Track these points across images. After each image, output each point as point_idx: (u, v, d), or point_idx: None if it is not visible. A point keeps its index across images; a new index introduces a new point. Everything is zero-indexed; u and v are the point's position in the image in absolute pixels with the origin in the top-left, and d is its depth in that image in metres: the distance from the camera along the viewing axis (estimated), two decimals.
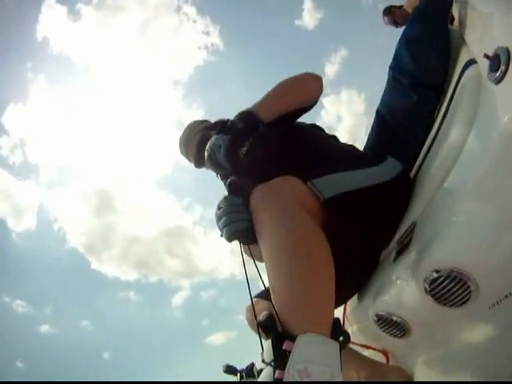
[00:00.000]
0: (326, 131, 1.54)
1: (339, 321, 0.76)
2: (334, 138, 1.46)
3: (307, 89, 1.32)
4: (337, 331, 0.73)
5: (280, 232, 0.82)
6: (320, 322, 0.72)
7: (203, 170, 1.51)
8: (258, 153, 1.11)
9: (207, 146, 1.08)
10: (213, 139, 1.08)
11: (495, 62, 0.75)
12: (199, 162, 1.47)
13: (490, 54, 0.79)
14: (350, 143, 1.46)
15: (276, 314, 0.73)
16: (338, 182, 1.01)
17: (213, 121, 1.58)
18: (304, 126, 1.46)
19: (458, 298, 0.75)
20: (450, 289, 0.75)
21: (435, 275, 0.77)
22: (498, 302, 0.73)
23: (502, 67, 0.72)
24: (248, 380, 1.03)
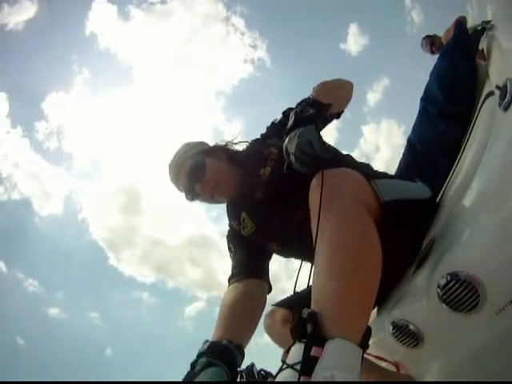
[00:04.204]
0: (364, 159, 1.55)
1: (371, 330, 0.76)
2: (350, 156, 1.45)
3: (349, 94, 1.34)
4: (366, 340, 0.73)
5: (344, 229, 0.80)
6: (355, 328, 0.72)
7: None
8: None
9: (292, 149, 0.94)
10: (295, 139, 0.93)
11: (504, 91, 0.84)
12: (190, 194, 1.34)
13: (501, 84, 0.88)
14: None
15: (308, 315, 0.70)
16: (396, 188, 1.02)
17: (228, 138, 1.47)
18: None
19: (467, 303, 0.81)
20: (460, 293, 0.81)
21: (447, 279, 0.83)
22: (504, 308, 0.78)
23: (508, 96, 0.81)
24: (248, 380, 1.04)
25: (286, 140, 0.99)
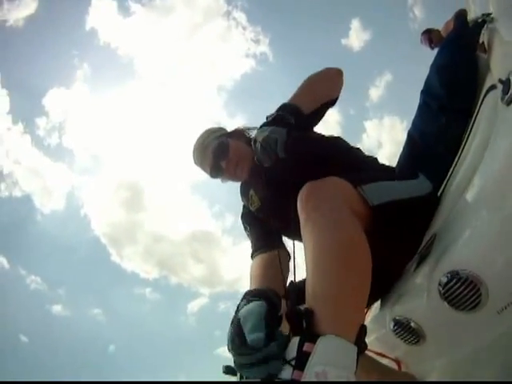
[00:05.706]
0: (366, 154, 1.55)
1: (365, 328, 0.77)
2: (359, 149, 1.49)
3: (335, 84, 1.42)
4: (361, 338, 0.74)
5: (329, 233, 0.83)
6: (348, 325, 0.73)
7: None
8: (301, 145, 1.15)
9: (260, 139, 1.08)
10: (266, 132, 1.07)
11: (507, 85, 0.82)
12: (215, 170, 1.47)
13: (504, 78, 0.86)
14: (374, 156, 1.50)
15: (304, 311, 0.73)
16: (386, 190, 1.04)
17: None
18: (333, 136, 1.50)
19: (469, 301, 0.80)
20: (461, 291, 0.80)
21: (449, 277, 0.82)
22: (506, 307, 0.77)
23: None
24: (248, 380, 1.04)
25: (259, 130, 1.11)
